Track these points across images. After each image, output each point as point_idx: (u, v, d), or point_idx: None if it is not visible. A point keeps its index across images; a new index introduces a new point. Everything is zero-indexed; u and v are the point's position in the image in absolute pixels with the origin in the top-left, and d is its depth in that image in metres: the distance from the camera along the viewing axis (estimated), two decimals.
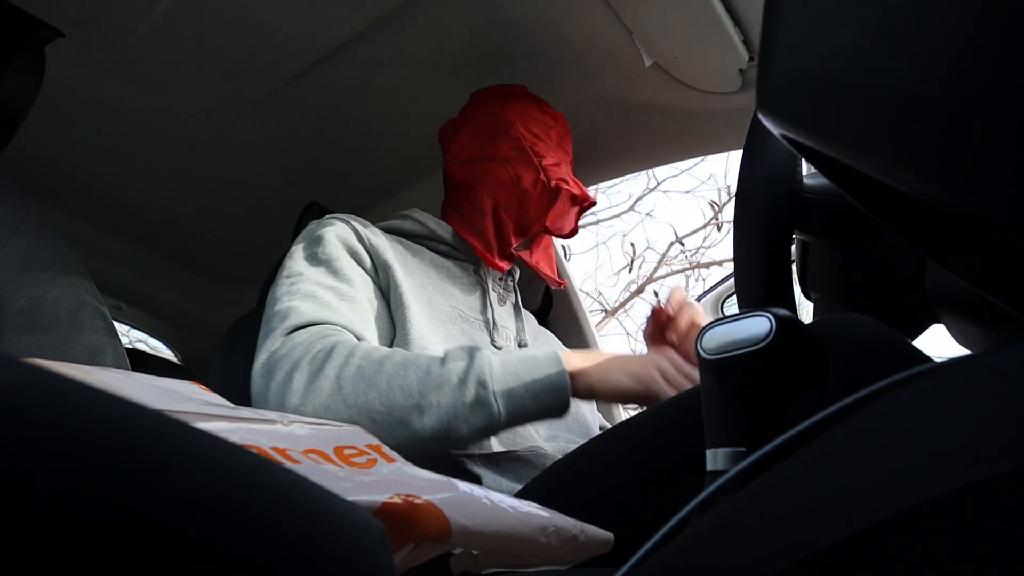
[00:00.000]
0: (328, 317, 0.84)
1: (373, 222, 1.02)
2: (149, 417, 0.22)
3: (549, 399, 0.76)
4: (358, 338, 0.84)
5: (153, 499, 0.20)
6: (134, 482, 0.20)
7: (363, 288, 0.91)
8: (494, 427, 0.76)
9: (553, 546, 0.40)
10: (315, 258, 0.92)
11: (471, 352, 0.77)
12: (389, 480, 0.37)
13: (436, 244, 1.06)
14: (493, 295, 1.05)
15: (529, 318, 1.16)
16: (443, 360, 0.77)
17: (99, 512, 0.19)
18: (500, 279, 1.09)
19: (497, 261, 1.02)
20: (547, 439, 0.94)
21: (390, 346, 0.89)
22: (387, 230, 1.05)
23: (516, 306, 1.11)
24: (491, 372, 0.75)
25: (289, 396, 0.75)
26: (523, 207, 1.01)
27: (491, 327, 1.02)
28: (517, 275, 1.13)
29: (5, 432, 0.18)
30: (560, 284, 1.11)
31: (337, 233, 0.94)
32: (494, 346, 1.00)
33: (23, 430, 0.19)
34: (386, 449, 0.45)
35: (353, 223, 0.97)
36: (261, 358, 0.81)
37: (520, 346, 1.06)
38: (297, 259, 0.92)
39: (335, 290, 0.88)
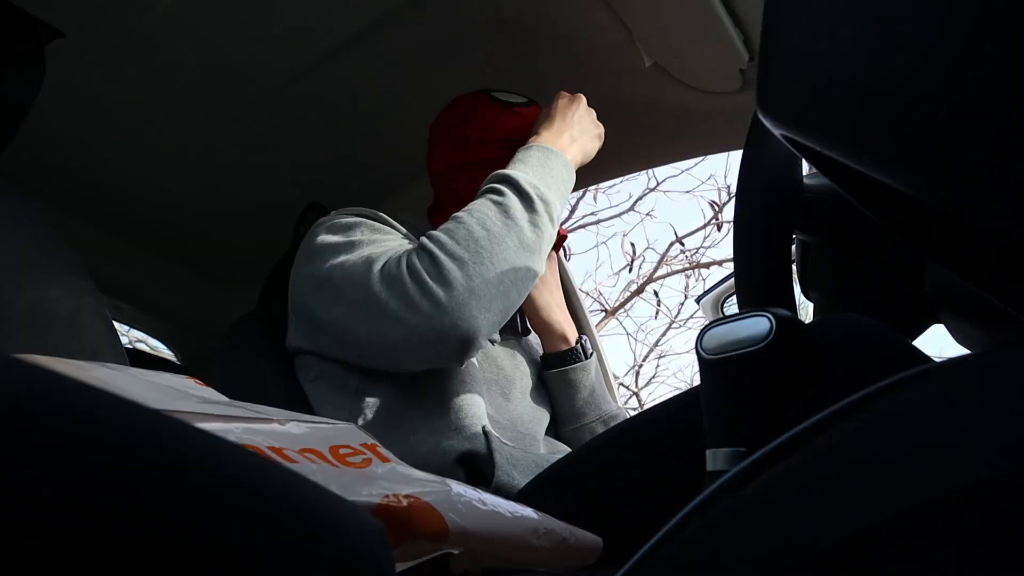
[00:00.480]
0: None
1: None
2: (149, 417, 0.22)
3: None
4: None
5: (153, 500, 0.20)
6: (133, 482, 0.20)
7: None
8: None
9: (545, 549, 0.40)
10: (353, 236, 0.91)
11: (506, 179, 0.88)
12: (385, 480, 0.37)
13: None
14: None
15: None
16: (496, 194, 0.86)
17: (99, 512, 0.19)
18: None
19: None
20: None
21: None
22: None
23: None
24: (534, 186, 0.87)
25: (442, 290, 0.78)
26: None
27: None
28: None
29: (4, 432, 0.18)
30: None
31: (363, 219, 0.94)
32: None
33: (23, 430, 0.18)
34: (381, 449, 0.45)
35: (369, 211, 0.97)
36: (373, 287, 0.81)
37: (528, 358, 1.06)
38: (334, 238, 0.91)
39: (394, 240, 0.90)
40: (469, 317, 0.78)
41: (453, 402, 0.86)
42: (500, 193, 0.86)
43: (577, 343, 1.04)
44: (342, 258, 0.87)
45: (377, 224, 0.94)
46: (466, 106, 1.07)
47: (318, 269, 0.88)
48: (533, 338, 1.08)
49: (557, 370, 1.03)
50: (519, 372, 1.00)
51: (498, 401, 0.95)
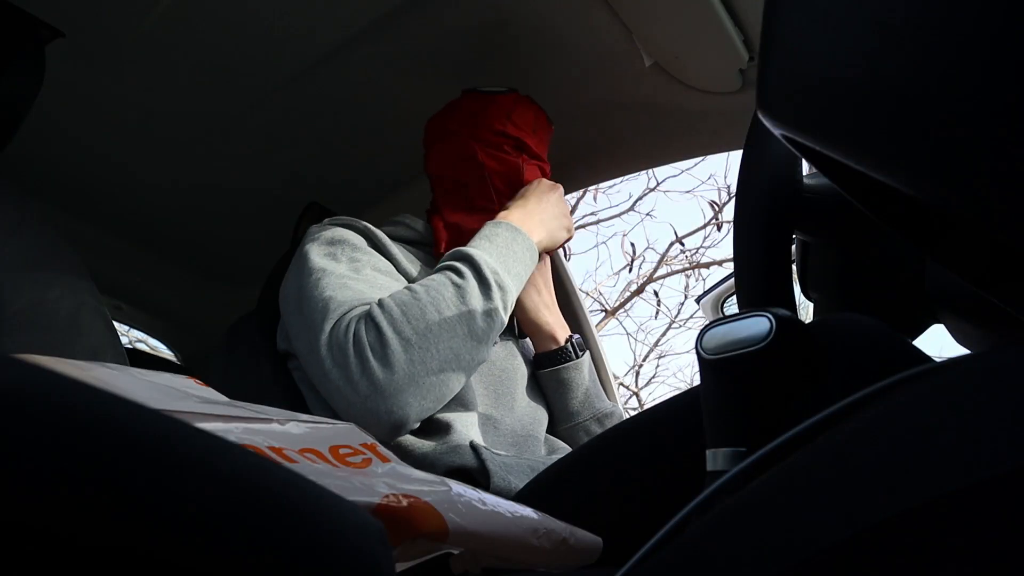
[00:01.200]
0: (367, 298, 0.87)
1: (372, 223, 1.02)
2: (149, 417, 0.22)
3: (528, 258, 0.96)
4: None
5: (152, 500, 0.20)
6: (133, 482, 0.20)
7: (388, 274, 0.94)
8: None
9: (545, 549, 0.40)
10: (335, 256, 0.92)
11: (465, 257, 0.89)
12: (384, 480, 0.37)
13: (428, 248, 1.07)
14: None
15: None
16: (457, 275, 0.87)
17: (99, 512, 0.19)
18: None
19: None
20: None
21: None
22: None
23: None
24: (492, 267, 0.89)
25: (377, 375, 0.78)
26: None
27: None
28: None
29: (4, 432, 0.18)
30: None
31: (351, 234, 0.96)
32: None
33: (23, 430, 0.18)
34: (381, 448, 0.45)
35: (361, 225, 0.98)
36: (320, 350, 0.82)
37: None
38: (315, 257, 0.92)
39: (364, 278, 0.90)
40: (404, 404, 0.78)
41: (441, 418, 0.86)
42: (460, 274, 0.87)
43: (567, 342, 1.04)
44: (311, 286, 0.88)
45: (361, 243, 0.94)
46: (452, 104, 1.09)
47: (295, 290, 0.91)
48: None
49: (549, 369, 1.03)
50: (518, 373, 1.00)
51: (497, 404, 0.95)
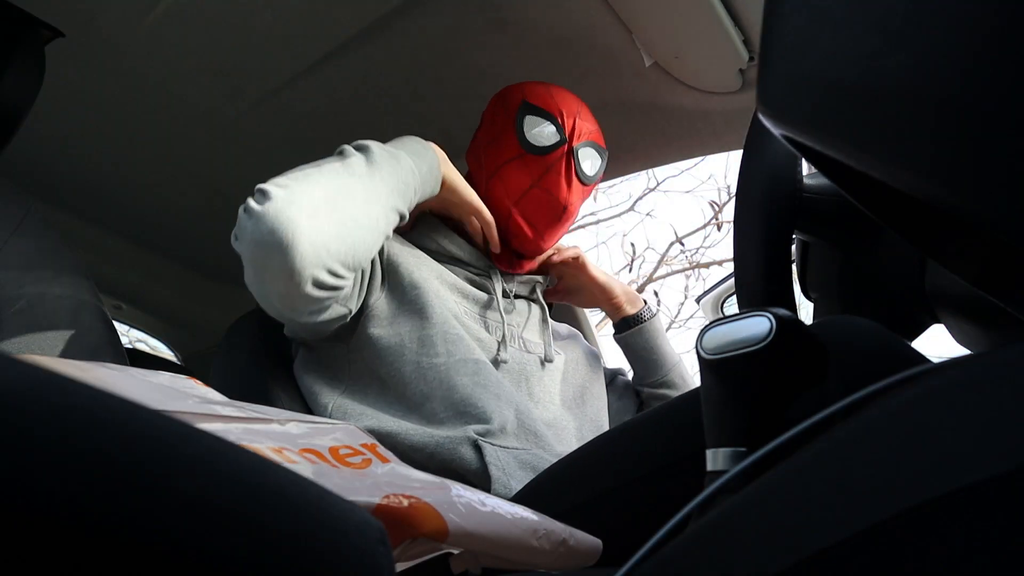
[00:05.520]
0: None
1: None
2: (149, 417, 0.22)
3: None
4: None
5: (153, 500, 0.20)
6: (134, 482, 0.20)
7: None
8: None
9: (545, 550, 0.40)
10: None
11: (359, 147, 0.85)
12: (384, 480, 0.37)
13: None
14: (498, 287, 1.04)
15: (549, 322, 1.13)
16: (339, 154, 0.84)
17: (98, 513, 0.19)
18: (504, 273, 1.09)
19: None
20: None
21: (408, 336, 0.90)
22: None
23: (531, 300, 1.10)
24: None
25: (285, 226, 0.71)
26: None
27: (500, 309, 1.03)
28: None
29: (4, 432, 0.18)
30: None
31: None
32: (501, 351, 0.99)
33: (23, 430, 0.18)
34: (380, 449, 0.45)
35: None
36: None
37: (523, 341, 1.06)
38: None
39: None
40: (287, 220, 0.70)
41: (457, 399, 0.84)
42: (343, 152, 0.84)
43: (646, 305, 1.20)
44: None
45: None
46: (500, 121, 1.05)
47: None
48: (560, 358, 1.06)
49: (633, 330, 1.18)
50: (543, 374, 1.00)
51: (521, 394, 0.94)
